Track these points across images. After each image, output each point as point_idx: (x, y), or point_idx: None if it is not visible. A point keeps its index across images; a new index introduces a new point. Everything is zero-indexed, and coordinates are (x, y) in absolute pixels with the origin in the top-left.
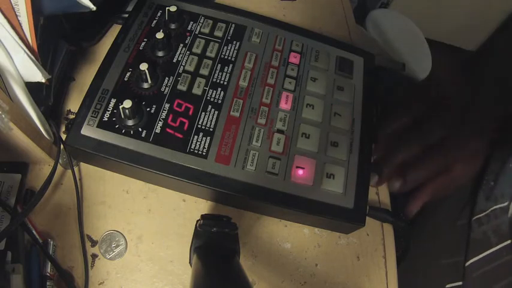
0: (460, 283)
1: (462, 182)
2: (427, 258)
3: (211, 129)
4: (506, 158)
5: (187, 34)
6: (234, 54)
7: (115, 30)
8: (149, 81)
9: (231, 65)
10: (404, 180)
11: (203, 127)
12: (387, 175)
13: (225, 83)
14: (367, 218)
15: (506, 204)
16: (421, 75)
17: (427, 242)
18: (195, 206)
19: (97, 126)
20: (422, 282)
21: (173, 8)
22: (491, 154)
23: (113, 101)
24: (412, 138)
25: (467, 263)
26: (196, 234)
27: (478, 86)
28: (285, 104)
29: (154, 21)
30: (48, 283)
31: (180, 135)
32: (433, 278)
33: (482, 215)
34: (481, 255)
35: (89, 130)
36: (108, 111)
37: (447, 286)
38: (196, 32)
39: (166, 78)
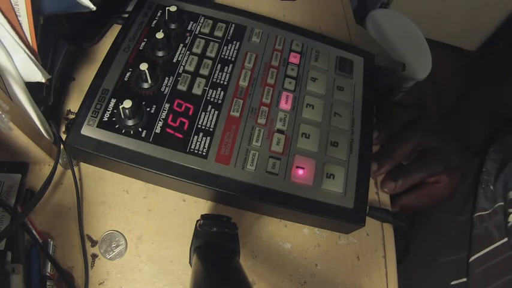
0: (465, 279)
1: (446, 194)
2: (429, 256)
3: (211, 129)
4: (509, 158)
5: (187, 34)
6: (234, 54)
7: (115, 30)
8: (149, 81)
9: (231, 65)
10: (395, 184)
11: (203, 127)
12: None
13: (225, 83)
14: (367, 218)
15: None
16: (421, 75)
17: (428, 240)
18: (195, 206)
19: (97, 126)
20: (425, 281)
21: (173, 8)
22: (486, 153)
23: (113, 101)
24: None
25: (471, 259)
26: (196, 234)
27: (477, 86)
28: (285, 104)
29: (154, 21)
30: (48, 283)
31: (180, 135)
32: (436, 275)
33: (484, 213)
34: (484, 251)
35: (89, 130)
36: (108, 111)
37: (452, 283)
38: (196, 32)
39: (166, 78)
